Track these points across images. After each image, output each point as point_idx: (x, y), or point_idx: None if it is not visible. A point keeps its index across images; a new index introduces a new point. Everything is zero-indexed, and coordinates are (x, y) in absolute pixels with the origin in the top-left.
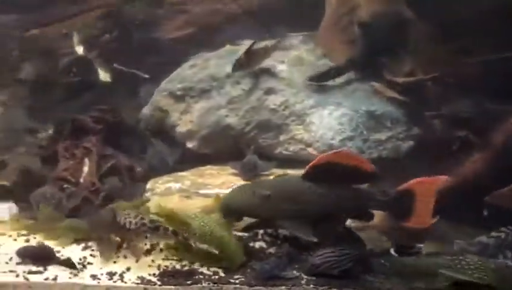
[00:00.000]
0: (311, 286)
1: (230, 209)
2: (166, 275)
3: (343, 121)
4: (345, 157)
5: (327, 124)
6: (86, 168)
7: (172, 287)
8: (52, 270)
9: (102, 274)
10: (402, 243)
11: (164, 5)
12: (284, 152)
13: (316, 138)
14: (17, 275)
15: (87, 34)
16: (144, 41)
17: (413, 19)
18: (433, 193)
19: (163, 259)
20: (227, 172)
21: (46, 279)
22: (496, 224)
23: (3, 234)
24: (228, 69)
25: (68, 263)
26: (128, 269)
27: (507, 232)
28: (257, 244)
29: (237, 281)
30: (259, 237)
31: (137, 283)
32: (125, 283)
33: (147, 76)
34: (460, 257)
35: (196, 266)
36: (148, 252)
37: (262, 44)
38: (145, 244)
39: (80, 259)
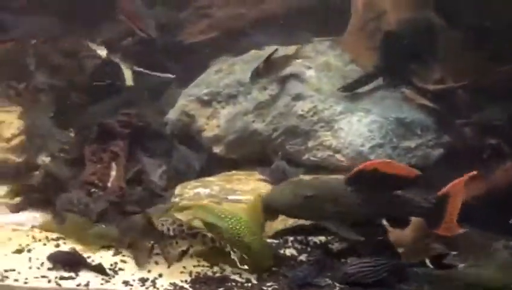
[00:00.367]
0: None
1: (271, 209)
2: (198, 282)
3: (373, 128)
4: (391, 167)
5: (356, 130)
6: (113, 173)
7: None
8: (84, 276)
9: (134, 280)
10: (437, 253)
11: (187, 9)
12: (312, 158)
13: (344, 145)
14: (49, 281)
15: (109, 37)
16: (167, 45)
17: (442, 26)
18: (462, 191)
19: (194, 266)
20: (255, 178)
21: (78, 285)
22: None
23: (33, 239)
24: None
25: (100, 269)
26: (160, 275)
27: None
28: (287, 251)
29: (270, 289)
30: (289, 243)
31: None
32: (158, 289)
33: (171, 76)
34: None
35: (228, 272)
36: (179, 258)
37: (282, 52)
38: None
39: (111, 265)
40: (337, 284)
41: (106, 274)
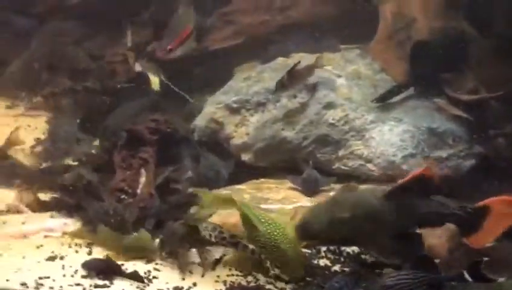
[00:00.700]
0: None
1: (308, 234)
2: None
3: (405, 137)
4: (427, 173)
5: (388, 140)
6: (143, 179)
7: None
8: (118, 285)
9: (168, 289)
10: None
11: (212, 15)
12: (342, 167)
13: (376, 154)
14: (84, 289)
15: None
16: (192, 50)
17: (474, 35)
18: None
19: (227, 275)
20: (286, 186)
21: None
22: None
23: (65, 246)
24: None
25: (136, 276)
26: (194, 284)
27: None
28: (321, 262)
29: None
30: (322, 254)
31: None
32: None
33: (191, 100)
34: None
35: (262, 282)
36: (213, 266)
37: (311, 60)
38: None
39: (145, 273)
40: None
41: (142, 281)
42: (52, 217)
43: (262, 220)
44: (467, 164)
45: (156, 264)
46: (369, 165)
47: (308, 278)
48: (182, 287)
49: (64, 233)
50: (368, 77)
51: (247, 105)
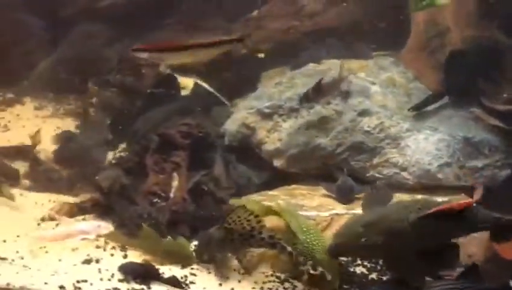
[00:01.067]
0: None
1: (340, 255)
2: None
3: (441, 146)
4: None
5: (423, 148)
6: (175, 183)
7: None
8: (155, 289)
9: None
10: None
11: (239, 20)
12: (377, 175)
13: (411, 163)
14: None
15: None
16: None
17: (509, 44)
18: None
19: (264, 282)
20: (319, 193)
21: None
22: None
23: (100, 249)
24: None
25: (174, 282)
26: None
27: None
28: (357, 269)
29: None
30: (359, 261)
31: None
32: None
33: (228, 103)
34: None
35: (299, 289)
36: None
37: (336, 69)
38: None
39: (181, 278)
40: None
41: (181, 287)
42: (84, 219)
43: (305, 229)
44: (502, 174)
45: (192, 269)
46: (404, 174)
47: (345, 286)
48: None
49: (99, 236)
50: (402, 85)
51: (280, 111)
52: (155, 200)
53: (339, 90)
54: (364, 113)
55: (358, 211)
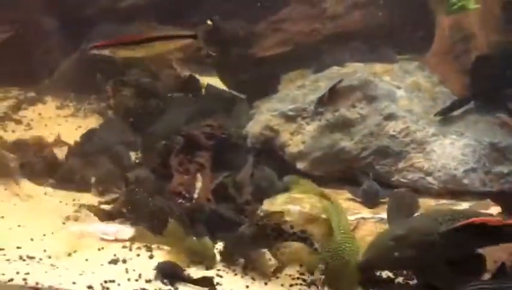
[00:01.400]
0: None
1: (371, 269)
2: None
3: (467, 151)
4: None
5: (449, 153)
6: (199, 184)
7: None
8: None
9: None
10: None
11: (261, 23)
12: (402, 180)
13: (437, 167)
14: None
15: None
16: (241, 57)
17: None
18: None
19: (291, 285)
20: (344, 197)
21: None
22: None
23: (126, 249)
24: None
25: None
26: None
27: None
28: (383, 274)
29: None
30: None
31: None
32: None
33: (243, 96)
34: None
35: None
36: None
37: (359, 73)
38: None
39: None
40: None
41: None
42: (114, 218)
43: (342, 231)
44: None
45: (218, 270)
46: (429, 179)
47: None
48: None
49: (117, 240)
50: (427, 89)
51: (304, 113)
52: (180, 200)
53: (363, 94)
54: (390, 117)
55: (384, 215)
